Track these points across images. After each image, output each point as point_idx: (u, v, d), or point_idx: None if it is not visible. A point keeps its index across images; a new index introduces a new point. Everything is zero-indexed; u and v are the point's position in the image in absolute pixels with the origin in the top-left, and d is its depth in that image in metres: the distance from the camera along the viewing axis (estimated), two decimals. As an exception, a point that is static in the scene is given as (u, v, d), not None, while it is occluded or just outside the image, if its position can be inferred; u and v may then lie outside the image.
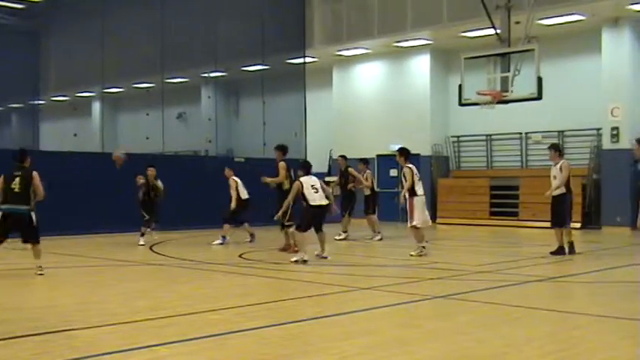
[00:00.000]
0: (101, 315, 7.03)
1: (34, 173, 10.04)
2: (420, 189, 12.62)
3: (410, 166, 12.65)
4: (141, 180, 14.95)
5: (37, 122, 32.13)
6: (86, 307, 7.50)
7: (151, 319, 6.76)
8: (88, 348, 5.61)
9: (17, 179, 9.97)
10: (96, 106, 32.33)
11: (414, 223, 12.50)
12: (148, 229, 15.19)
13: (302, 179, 11.72)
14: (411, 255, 12.42)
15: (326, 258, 11.84)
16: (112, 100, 32.56)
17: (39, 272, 9.85)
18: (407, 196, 12.62)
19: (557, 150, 12.76)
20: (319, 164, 25.00)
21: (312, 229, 11.65)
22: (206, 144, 25.64)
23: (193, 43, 25.14)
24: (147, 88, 27.78)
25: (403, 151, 12.89)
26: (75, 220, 17.02)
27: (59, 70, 31.72)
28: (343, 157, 16.98)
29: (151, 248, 14.10)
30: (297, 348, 5.77)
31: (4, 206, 9.91)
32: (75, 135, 26.44)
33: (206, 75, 27.08)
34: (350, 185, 16.23)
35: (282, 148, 13.58)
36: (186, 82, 28.05)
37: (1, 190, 10.03)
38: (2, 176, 10.09)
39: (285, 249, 12.91)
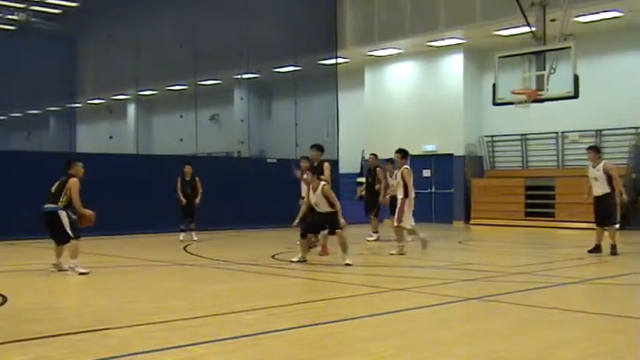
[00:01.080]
0: (135, 315, 7.09)
1: (72, 180, 10.33)
2: (412, 191, 12.67)
3: (408, 167, 12.75)
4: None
5: (74, 125, 32.67)
6: (121, 307, 7.57)
7: (185, 318, 6.80)
8: (122, 347, 5.65)
9: (57, 182, 10.40)
10: (131, 109, 32.74)
11: (403, 224, 12.62)
12: (186, 230, 15.71)
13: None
14: (391, 254, 12.54)
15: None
16: (146, 102, 32.94)
17: (69, 271, 10.14)
18: (400, 196, 12.66)
19: (597, 151, 12.62)
20: (351, 165, 24.98)
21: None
22: (238, 145, 25.78)
23: (226, 45, 25.29)
24: (180, 90, 28.04)
25: (403, 152, 12.98)
26: (110, 220, 17.19)
27: (95, 73, 32.19)
28: (374, 155, 16.85)
29: (184, 249, 14.21)
30: (331, 349, 5.74)
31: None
32: (110, 137, 26.77)
33: (238, 77, 27.23)
34: (377, 186, 16.05)
35: (320, 148, 13.03)
36: (219, 84, 28.24)
37: None
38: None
39: (322, 252, 12.75)
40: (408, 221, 12.72)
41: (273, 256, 12.65)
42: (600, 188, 12.38)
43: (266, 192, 19.96)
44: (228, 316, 7.07)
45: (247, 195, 20.18)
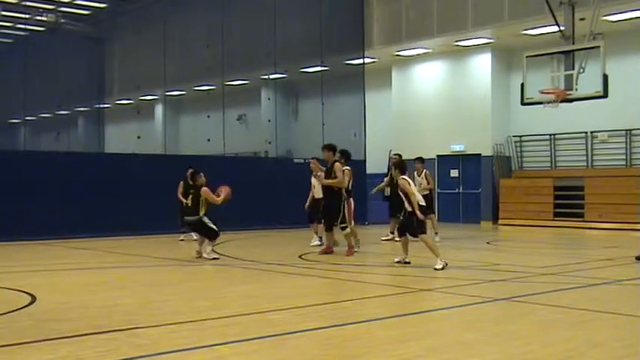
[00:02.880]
0: (164, 314, 7.15)
1: (203, 190, 12.34)
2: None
3: (346, 167, 12.88)
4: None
5: (102, 125, 33.02)
6: (149, 307, 7.64)
7: (213, 318, 6.84)
8: (151, 346, 5.70)
9: (190, 196, 12.66)
10: (158, 109, 32.99)
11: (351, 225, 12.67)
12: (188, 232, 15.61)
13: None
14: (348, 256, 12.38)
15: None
16: (173, 102, 33.16)
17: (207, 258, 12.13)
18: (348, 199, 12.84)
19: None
20: (378, 165, 24.92)
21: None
22: (266, 145, 25.85)
23: (253, 45, 25.42)
24: (208, 90, 28.19)
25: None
26: (139, 219, 17.44)
27: (123, 74, 32.50)
28: (398, 155, 16.64)
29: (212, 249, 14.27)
30: (358, 349, 5.74)
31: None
32: (138, 137, 27.00)
33: (266, 77, 27.31)
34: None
35: (332, 148, 12.96)
36: (246, 84, 28.34)
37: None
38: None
39: (348, 252, 12.72)
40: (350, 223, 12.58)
41: (300, 256, 12.67)
42: None
43: (292, 192, 19.97)
44: (254, 315, 7.10)
45: (274, 195, 20.24)
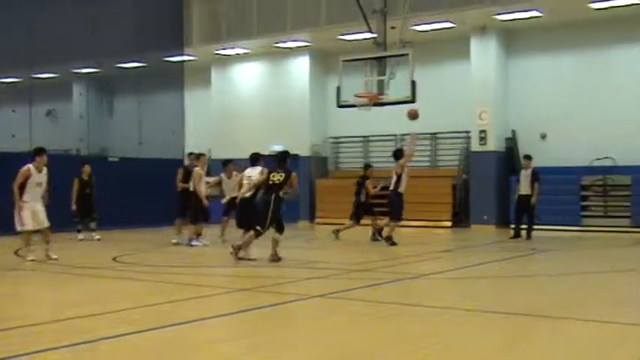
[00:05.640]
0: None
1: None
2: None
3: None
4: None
5: None
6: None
7: (19, 326, 6.42)
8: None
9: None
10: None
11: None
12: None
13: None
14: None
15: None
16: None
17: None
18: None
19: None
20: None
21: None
22: (77, 143, 24.69)
23: (65, 37, 24.10)
24: (13, 82, 26.42)
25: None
26: None
27: None
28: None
29: (15, 253, 13.34)
30: (177, 352, 5.66)
31: None
32: None
33: (78, 71, 26.07)
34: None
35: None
36: (56, 77, 26.87)
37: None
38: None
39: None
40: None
41: (114, 259, 12.23)
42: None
43: (107, 191, 19.23)
44: (65, 322, 6.76)
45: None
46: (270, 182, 11.54)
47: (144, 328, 6.45)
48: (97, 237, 15.95)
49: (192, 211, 14.26)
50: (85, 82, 26.82)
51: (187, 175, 14.73)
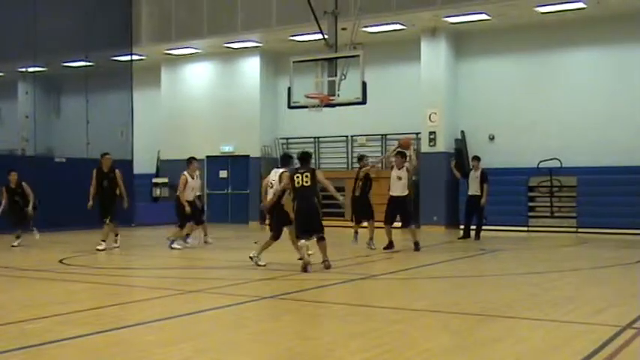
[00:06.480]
0: None
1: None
2: None
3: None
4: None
5: None
6: None
7: (-41, 332, 6.23)
8: None
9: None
10: None
11: None
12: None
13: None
14: None
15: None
16: None
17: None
18: None
19: (404, 156, 14.23)
20: (147, 165, 24.39)
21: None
22: (22, 143, 24.05)
23: (9, 35, 23.46)
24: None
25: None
26: None
27: None
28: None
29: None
30: (125, 355, 5.56)
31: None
32: None
33: (24, 70, 25.42)
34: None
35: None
36: (1, 76, 26.17)
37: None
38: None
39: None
40: None
41: (60, 261, 11.97)
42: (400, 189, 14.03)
43: (54, 192, 18.83)
44: (10, 326, 6.58)
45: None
46: (298, 185, 10.95)
47: (92, 331, 6.32)
48: (37, 236, 15.54)
49: (179, 215, 14.18)
50: (31, 81, 26.13)
51: (101, 175, 14.39)
